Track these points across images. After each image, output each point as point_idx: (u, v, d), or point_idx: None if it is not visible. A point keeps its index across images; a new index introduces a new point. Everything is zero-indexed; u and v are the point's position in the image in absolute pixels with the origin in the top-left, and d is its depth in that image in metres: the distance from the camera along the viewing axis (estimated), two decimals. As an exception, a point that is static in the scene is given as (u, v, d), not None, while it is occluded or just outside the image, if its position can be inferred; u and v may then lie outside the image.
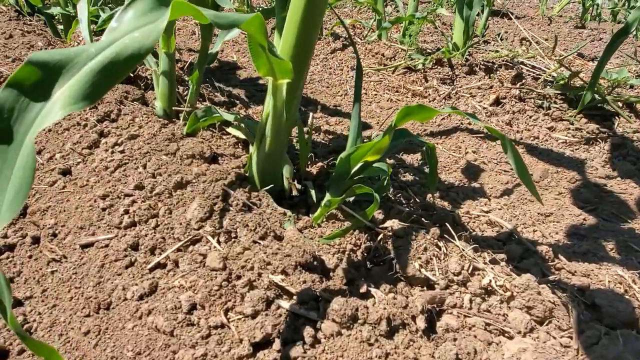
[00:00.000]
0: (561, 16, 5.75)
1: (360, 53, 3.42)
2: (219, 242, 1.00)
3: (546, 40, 3.99)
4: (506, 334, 0.93)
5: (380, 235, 1.08)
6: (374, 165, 1.13)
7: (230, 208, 1.07)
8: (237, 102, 2.54)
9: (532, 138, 2.28)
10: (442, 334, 0.90)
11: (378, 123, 2.49)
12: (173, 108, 1.66)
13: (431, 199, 1.61)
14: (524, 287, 1.00)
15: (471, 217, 1.49)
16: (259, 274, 0.89)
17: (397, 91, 2.87)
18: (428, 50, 3.26)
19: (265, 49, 0.89)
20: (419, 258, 1.01)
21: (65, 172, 1.42)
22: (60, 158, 1.48)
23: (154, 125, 1.49)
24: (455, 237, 1.11)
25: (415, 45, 3.30)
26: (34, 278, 1.13)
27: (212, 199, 1.08)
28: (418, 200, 1.53)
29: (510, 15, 5.44)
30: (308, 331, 0.79)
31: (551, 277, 1.21)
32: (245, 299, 0.84)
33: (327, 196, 1.12)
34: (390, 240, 1.07)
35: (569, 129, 2.30)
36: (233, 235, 1.01)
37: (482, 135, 2.25)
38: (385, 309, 0.82)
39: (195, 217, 1.05)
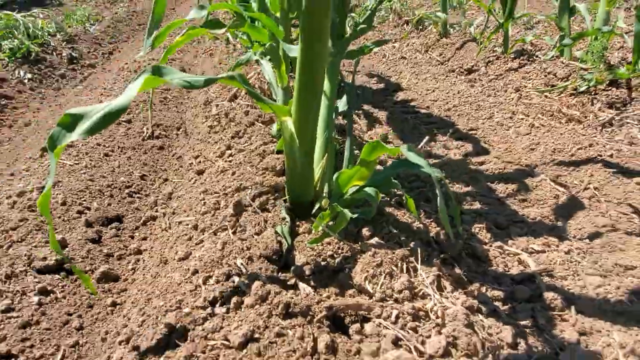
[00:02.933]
0: None
1: (532, 72, 3.25)
2: (234, 232, 1.39)
3: None
4: (413, 350, 1.03)
5: (355, 249, 1.28)
6: (364, 190, 1.32)
7: (249, 210, 1.44)
8: (375, 123, 2.85)
9: (688, 179, 1.87)
10: (352, 333, 1.07)
11: (507, 150, 2.43)
12: (284, 129, 2.10)
13: (467, 230, 1.62)
14: (452, 316, 1.06)
15: (502, 252, 1.45)
16: (235, 257, 1.24)
17: (551, 115, 2.67)
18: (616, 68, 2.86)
19: (260, 97, 1.23)
20: (367, 271, 1.17)
21: (200, 173, 2.03)
22: (203, 162, 2.11)
23: (257, 142, 1.96)
24: (419, 260, 1.21)
25: (599, 64, 2.93)
26: (152, 239, 1.74)
27: (243, 203, 1.48)
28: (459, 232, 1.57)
29: None
30: (235, 300, 1.09)
31: (527, 322, 1.16)
32: (216, 271, 1.21)
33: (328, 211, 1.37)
34: (359, 254, 1.25)
35: None
36: (242, 229, 1.38)
37: (616, 169, 1.98)
38: (292, 298, 1.06)
39: (229, 213, 1.46)
